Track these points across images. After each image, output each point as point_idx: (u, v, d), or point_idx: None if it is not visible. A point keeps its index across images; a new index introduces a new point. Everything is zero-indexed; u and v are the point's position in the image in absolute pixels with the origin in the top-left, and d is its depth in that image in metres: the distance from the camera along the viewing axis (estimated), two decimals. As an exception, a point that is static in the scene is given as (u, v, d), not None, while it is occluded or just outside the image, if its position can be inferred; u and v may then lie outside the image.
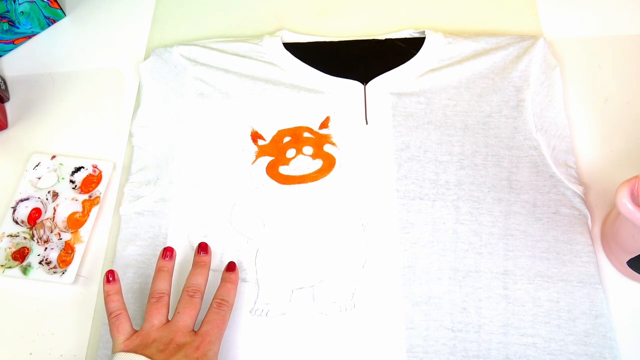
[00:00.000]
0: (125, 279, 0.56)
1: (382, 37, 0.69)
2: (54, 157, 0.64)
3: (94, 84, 0.71)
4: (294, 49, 0.68)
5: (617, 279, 0.54)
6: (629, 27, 0.68)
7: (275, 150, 0.62)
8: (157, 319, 0.49)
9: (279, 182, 0.60)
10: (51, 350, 0.55)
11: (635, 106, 0.63)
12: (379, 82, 0.64)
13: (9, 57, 0.74)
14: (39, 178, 0.63)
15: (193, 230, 0.58)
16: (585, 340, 0.51)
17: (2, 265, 0.58)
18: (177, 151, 0.63)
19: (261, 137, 0.63)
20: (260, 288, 0.55)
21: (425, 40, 0.67)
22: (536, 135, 0.60)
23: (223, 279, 0.53)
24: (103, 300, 0.56)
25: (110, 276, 0.52)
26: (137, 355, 0.45)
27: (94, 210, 0.61)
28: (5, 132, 0.68)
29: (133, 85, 0.70)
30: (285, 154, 0.61)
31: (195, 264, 0.53)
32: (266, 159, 0.61)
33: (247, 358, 0.52)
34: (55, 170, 0.63)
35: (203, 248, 0.54)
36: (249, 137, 0.63)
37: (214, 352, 0.47)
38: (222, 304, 0.50)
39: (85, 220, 0.60)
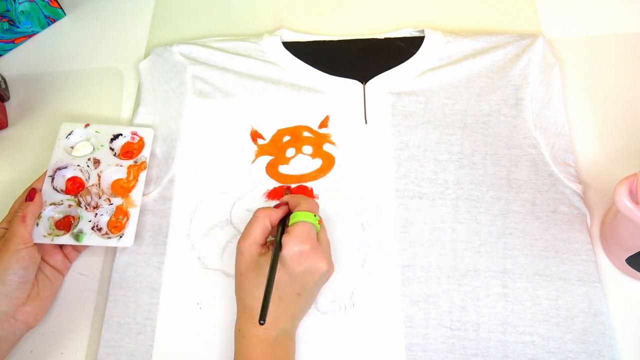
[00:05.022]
0: (126, 278, 0.56)
1: (382, 36, 0.69)
2: (87, 125, 0.62)
3: (93, 83, 0.71)
4: (294, 48, 0.68)
5: (616, 277, 0.54)
6: (628, 26, 0.68)
7: (275, 149, 0.62)
8: None
9: (278, 181, 0.60)
10: (52, 348, 0.55)
11: (634, 104, 0.63)
12: (378, 82, 0.64)
13: (9, 57, 0.74)
14: (72, 147, 0.61)
15: (193, 229, 0.58)
16: (584, 339, 0.51)
17: (49, 234, 0.55)
18: (177, 150, 0.63)
19: (261, 137, 0.63)
20: (259, 287, 0.55)
21: (425, 40, 0.67)
22: (535, 133, 0.60)
23: None
24: (103, 299, 0.56)
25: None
26: None
27: (142, 175, 0.60)
28: (5, 131, 0.68)
29: (133, 84, 0.70)
30: (284, 153, 0.61)
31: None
32: (266, 158, 0.61)
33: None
34: (89, 139, 0.62)
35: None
36: (249, 136, 0.63)
37: None
38: None
39: (133, 186, 0.59)
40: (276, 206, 0.53)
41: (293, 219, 0.50)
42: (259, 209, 0.52)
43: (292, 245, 0.48)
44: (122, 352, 0.53)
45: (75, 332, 0.55)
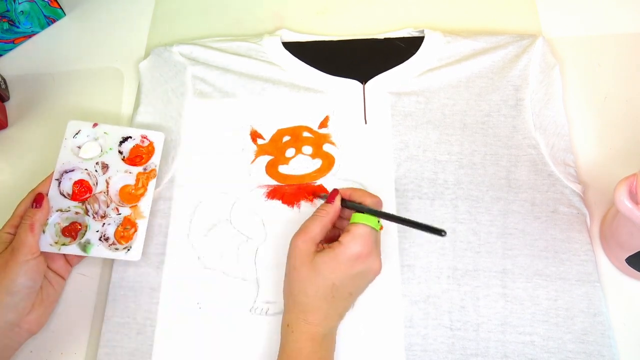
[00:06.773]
0: (126, 278, 0.57)
1: (381, 37, 0.69)
2: (95, 125, 0.59)
3: (93, 83, 0.71)
4: (294, 48, 0.68)
5: (615, 277, 0.54)
6: (628, 26, 0.68)
7: (275, 149, 0.62)
8: None
9: (278, 181, 0.60)
10: (52, 348, 0.55)
11: (633, 104, 0.63)
12: (378, 82, 0.64)
13: (9, 57, 0.74)
14: (79, 147, 0.58)
15: (193, 229, 0.59)
16: (584, 339, 0.51)
17: (56, 242, 0.54)
18: (177, 150, 0.63)
19: (260, 137, 0.63)
20: (260, 287, 0.55)
21: (424, 40, 0.67)
22: (535, 134, 0.60)
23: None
24: (103, 299, 0.56)
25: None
26: None
27: (152, 183, 0.58)
28: (5, 132, 0.68)
29: (133, 84, 0.70)
30: (284, 153, 0.61)
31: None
32: (266, 158, 0.61)
33: (246, 356, 0.53)
34: (96, 139, 0.59)
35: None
36: (249, 136, 0.63)
37: None
38: None
39: (142, 195, 0.57)
40: (328, 200, 0.52)
41: (356, 218, 0.49)
42: (319, 208, 0.51)
43: (352, 247, 0.47)
44: (122, 352, 0.53)
45: (75, 332, 0.55)
